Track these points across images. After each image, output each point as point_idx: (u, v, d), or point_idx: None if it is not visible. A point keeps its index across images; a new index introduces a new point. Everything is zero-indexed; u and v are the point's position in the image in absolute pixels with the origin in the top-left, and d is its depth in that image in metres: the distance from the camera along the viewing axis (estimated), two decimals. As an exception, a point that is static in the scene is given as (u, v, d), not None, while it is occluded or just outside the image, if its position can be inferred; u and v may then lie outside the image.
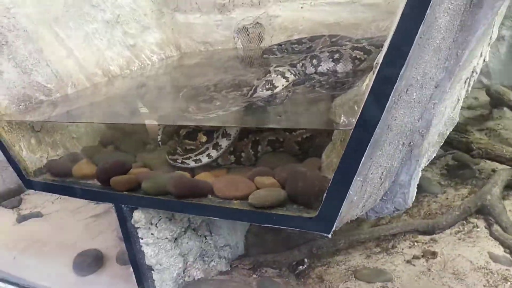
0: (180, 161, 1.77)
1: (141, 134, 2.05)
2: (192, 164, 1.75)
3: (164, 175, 1.77)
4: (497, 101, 3.26)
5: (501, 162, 2.48)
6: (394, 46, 1.08)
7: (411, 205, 1.63)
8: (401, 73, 1.10)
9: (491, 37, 1.83)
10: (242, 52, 2.82)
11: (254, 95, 1.68)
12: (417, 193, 2.57)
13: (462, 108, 3.69)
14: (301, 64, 1.94)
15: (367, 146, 1.21)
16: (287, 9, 2.64)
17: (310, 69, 1.94)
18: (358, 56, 1.87)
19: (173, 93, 2.26)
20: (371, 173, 1.34)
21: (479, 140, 2.61)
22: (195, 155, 1.72)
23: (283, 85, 1.72)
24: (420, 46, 1.13)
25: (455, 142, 2.71)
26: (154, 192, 1.74)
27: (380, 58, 1.11)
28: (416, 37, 1.06)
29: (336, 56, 1.89)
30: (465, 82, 1.64)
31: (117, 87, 2.45)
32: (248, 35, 2.81)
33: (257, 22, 2.77)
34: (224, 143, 1.69)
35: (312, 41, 2.42)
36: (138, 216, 1.84)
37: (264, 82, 1.69)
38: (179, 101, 1.97)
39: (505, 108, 3.28)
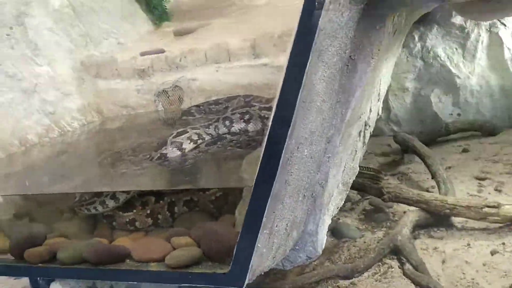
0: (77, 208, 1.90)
1: (58, 203, 2.04)
2: (85, 212, 1.88)
3: (80, 243, 1.76)
4: (404, 147, 3.57)
5: (409, 204, 2.69)
6: (280, 110, 1.22)
7: (321, 252, 1.73)
8: (288, 133, 1.23)
9: (379, 93, 2.06)
10: (163, 115, 2.91)
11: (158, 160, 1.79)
12: (337, 238, 2.76)
13: (377, 155, 4.01)
14: (214, 126, 2.07)
15: (267, 201, 1.31)
16: (204, 72, 2.80)
17: (223, 130, 2.06)
18: (266, 116, 2.02)
19: (92, 160, 2.28)
20: (276, 226, 1.43)
21: (388, 185, 2.81)
22: (86, 205, 1.85)
23: (180, 152, 1.85)
24: (304, 108, 1.27)
25: (368, 188, 2.90)
26: (71, 261, 1.72)
27: (269, 121, 1.24)
28: (297, 101, 1.20)
29: (247, 116, 2.04)
30: (359, 135, 1.82)
31: (35, 156, 2.43)
32: (168, 98, 2.92)
33: (176, 86, 2.89)
34: (110, 203, 1.81)
35: (228, 102, 2.56)
36: (55, 288, 1.79)
37: (159, 155, 1.81)
38: (95, 168, 1.99)
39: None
